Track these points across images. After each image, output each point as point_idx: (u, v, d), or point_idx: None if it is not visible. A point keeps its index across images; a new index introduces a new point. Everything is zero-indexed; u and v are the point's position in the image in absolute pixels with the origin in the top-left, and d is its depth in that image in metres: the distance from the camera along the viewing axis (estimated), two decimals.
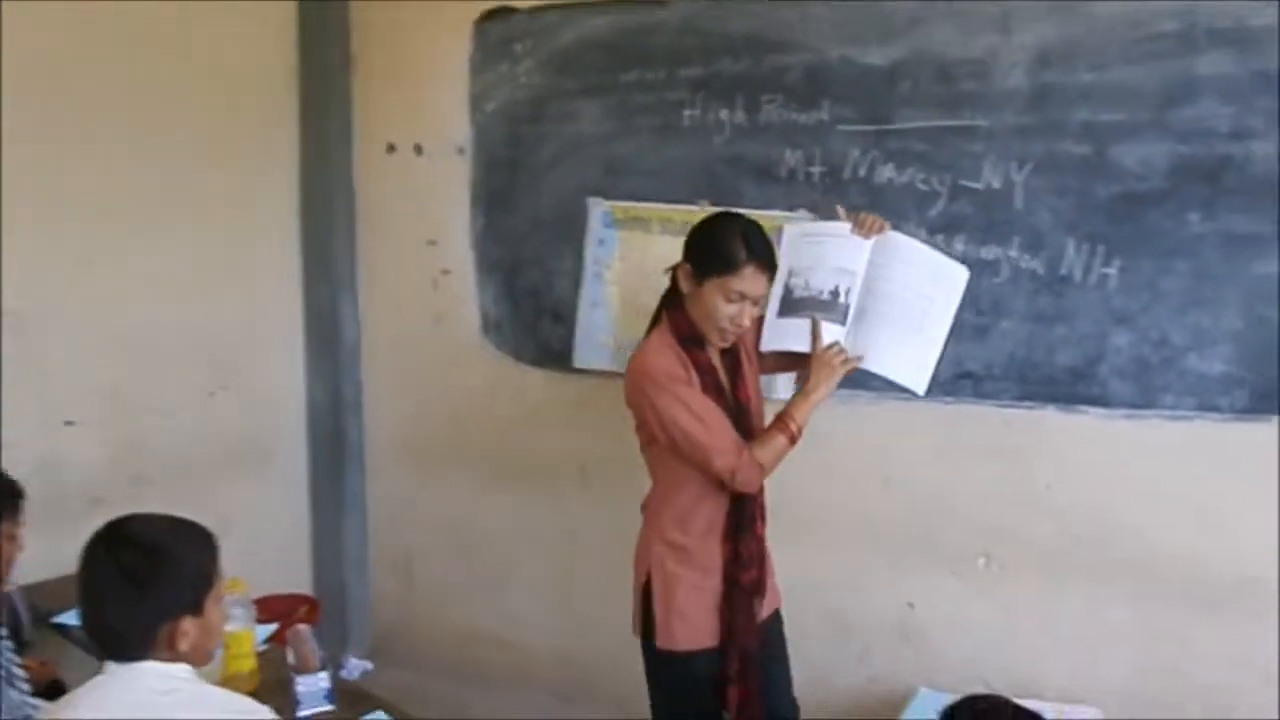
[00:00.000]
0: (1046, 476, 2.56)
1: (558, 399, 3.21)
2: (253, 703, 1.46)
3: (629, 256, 2.94)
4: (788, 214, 2.68)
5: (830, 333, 2.08)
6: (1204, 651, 2.43)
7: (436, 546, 3.53)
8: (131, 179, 3.01)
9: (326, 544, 3.66)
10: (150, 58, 3.05)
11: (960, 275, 2.12)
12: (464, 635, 3.50)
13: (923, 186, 2.58)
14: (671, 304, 2.10)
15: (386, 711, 1.98)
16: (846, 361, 2.06)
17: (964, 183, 2.53)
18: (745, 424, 2.08)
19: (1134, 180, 2.37)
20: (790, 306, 2.12)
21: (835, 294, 2.08)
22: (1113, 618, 2.53)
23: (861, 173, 2.64)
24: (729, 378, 2.11)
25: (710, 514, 2.08)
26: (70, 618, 2.30)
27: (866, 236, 2.09)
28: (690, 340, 2.06)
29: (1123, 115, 2.36)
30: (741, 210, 2.69)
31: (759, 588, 2.11)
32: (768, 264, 2.02)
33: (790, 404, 2.06)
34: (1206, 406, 2.36)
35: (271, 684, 2.02)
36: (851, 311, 2.08)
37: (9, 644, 1.98)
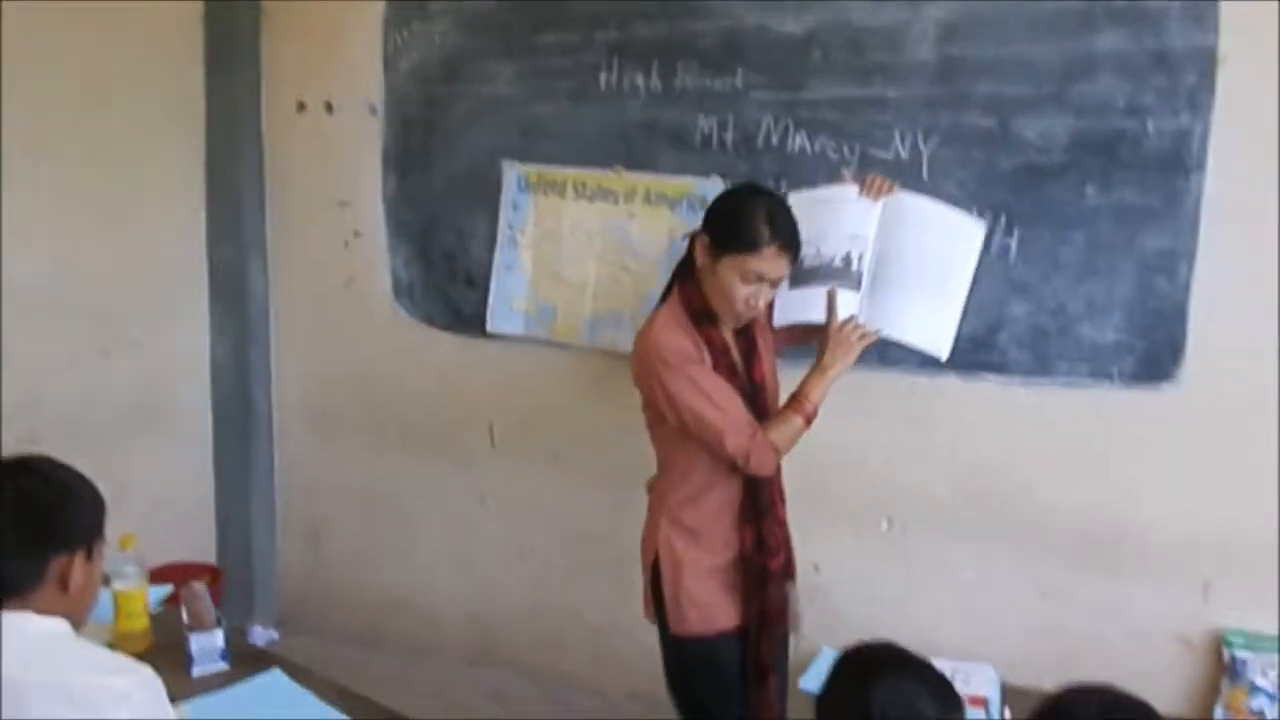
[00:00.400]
0: (949, 441, 2.63)
1: (469, 365, 3.18)
2: (131, 660, 1.40)
3: (542, 221, 2.91)
4: (702, 180, 2.70)
5: (846, 301, 2.03)
6: (1096, 610, 2.53)
7: (344, 513, 3.48)
8: (27, 128, 2.87)
9: (231, 511, 3.57)
10: (50, 4, 2.91)
11: (977, 230, 2.10)
12: (372, 602, 3.46)
13: (834, 155, 2.60)
14: (685, 276, 1.99)
15: (284, 670, 1.94)
16: (864, 336, 2.01)
17: (874, 152, 2.56)
18: (761, 405, 2.00)
19: (1035, 153, 2.43)
20: (802, 277, 2.04)
21: (848, 261, 2.03)
22: (1010, 578, 2.61)
23: (774, 140, 2.66)
24: (743, 357, 2.02)
25: (721, 496, 2.00)
26: None
27: (875, 199, 2.05)
28: (702, 316, 1.95)
29: (1025, 89, 2.42)
30: (656, 175, 2.75)
31: (789, 570, 2.07)
32: (791, 246, 1.91)
33: (805, 382, 2.00)
34: (1099, 374, 2.45)
35: (164, 644, 1.96)
36: (866, 278, 2.03)
37: None
